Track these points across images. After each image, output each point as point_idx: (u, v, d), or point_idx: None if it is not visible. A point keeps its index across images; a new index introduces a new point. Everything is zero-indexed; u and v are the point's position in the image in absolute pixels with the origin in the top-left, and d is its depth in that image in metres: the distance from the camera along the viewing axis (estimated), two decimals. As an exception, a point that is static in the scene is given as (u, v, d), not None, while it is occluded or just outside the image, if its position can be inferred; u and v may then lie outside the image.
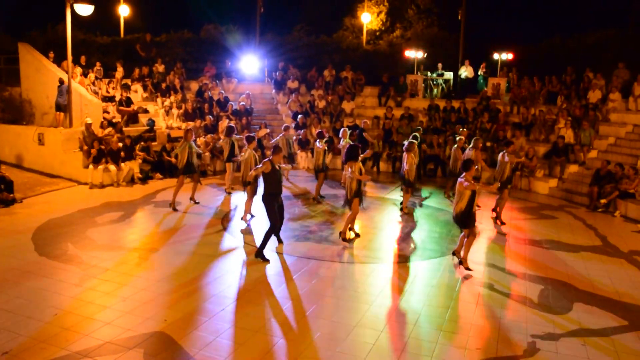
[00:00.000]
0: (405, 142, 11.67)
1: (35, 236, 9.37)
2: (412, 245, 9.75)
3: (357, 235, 9.90)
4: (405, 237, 10.26)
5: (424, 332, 6.30)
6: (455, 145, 12.80)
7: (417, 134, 12.93)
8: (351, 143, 10.36)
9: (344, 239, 9.53)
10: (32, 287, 7.19)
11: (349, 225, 9.65)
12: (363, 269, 8.40)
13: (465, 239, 8.35)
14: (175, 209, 11.30)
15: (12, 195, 11.61)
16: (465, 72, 20.98)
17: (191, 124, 16.69)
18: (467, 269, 8.27)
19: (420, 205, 12.56)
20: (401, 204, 11.93)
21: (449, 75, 22.01)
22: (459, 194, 8.12)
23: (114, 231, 9.88)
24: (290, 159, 14.25)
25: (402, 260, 8.88)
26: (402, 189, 12.15)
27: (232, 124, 14.16)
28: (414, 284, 7.84)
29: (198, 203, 11.88)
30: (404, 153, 11.48)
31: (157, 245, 9.15)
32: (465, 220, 8.20)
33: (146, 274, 7.80)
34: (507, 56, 23.66)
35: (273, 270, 8.17)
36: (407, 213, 11.71)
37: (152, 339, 5.89)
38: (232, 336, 6.03)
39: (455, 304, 7.13)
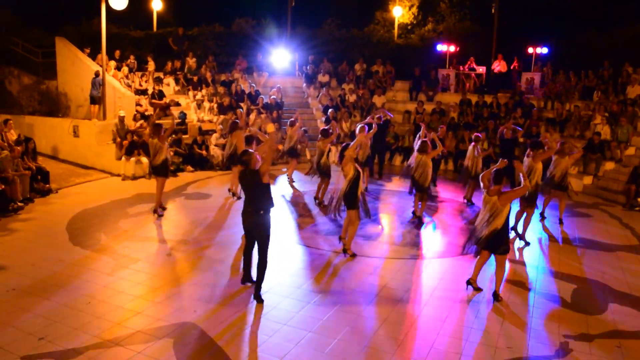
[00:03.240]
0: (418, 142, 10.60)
1: (69, 226, 9.58)
2: (441, 241, 9.65)
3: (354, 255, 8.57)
4: (434, 233, 10.16)
5: (453, 329, 6.23)
6: (472, 144, 11.77)
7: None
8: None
9: (350, 254, 8.50)
10: (67, 275, 7.36)
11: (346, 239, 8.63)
12: (392, 264, 8.33)
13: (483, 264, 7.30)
14: (160, 214, 10.38)
15: (48, 185, 11.92)
16: (499, 66, 20.60)
17: (222, 117, 16.82)
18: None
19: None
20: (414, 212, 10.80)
21: (481, 69, 21.64)
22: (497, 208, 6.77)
23: (145, 222, 10.02)
24: (294, 153, 13.62)
25: (431, 256, 8.80)
26: (414, 194, 10.68)
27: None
28: (443, 281, 7.75)
29: (157, 212, 10.46)
30: (416, 153, 10.46)
31: (187, 236, 9.26)
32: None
33: (176, 265, 7.91)
34: (542, 50, 23.11)
35: (302, 263, 8.18)
36: (419, 217, 10.59)
37: (181, 329, 5.95)
38: (261, 328, 6.06)
39: (485, 302, 7.02)
